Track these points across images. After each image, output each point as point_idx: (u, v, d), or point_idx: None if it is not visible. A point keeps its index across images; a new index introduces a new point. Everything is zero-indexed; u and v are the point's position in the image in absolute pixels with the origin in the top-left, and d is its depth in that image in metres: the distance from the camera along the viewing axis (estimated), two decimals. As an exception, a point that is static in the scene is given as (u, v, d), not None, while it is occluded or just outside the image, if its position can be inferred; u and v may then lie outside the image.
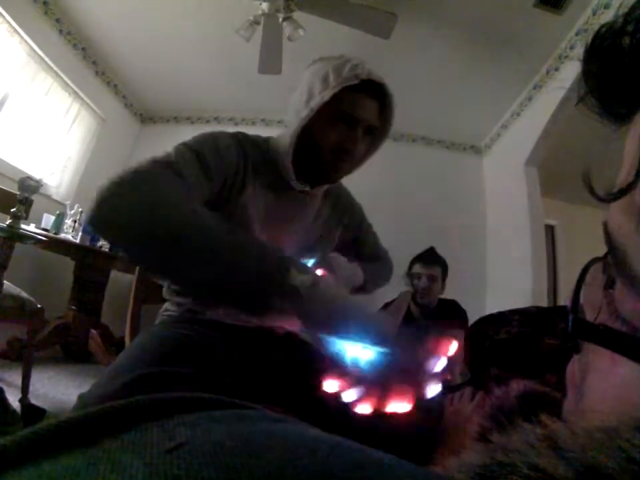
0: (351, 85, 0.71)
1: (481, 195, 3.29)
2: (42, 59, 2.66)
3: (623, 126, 0.18)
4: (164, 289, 0.87)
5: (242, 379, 0.74)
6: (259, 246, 0.56)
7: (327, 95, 0.71)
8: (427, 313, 1.79)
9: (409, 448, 0.68)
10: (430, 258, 1.83)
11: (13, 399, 1.34)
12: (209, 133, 0.75)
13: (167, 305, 0.88)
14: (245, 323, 0.83)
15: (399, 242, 2.51)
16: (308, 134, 0.76)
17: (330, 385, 0.50)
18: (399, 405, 0.47)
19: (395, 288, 1.78)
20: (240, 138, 0.80)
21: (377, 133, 0.81)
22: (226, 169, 0.73)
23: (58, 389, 1.73)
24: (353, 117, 0.75)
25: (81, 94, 3.04)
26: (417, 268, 1.80)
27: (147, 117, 3.87)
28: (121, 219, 0.56)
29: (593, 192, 0.18)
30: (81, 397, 0.62)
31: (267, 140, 0.85)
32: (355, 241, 1.01)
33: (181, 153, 0.66)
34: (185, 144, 0.69)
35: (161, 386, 0.61)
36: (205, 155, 0.69)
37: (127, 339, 0.99)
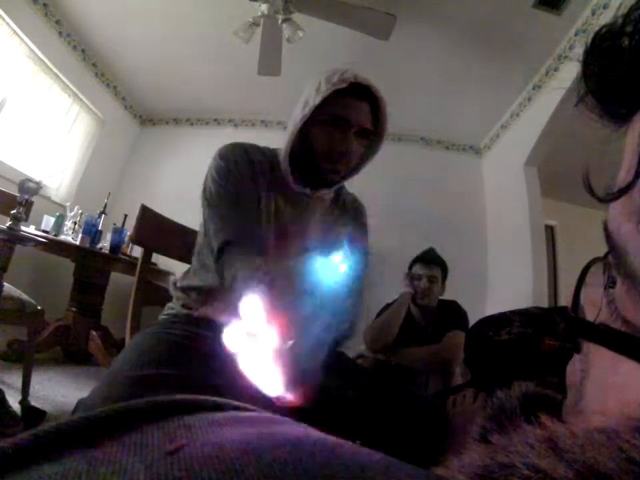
0: (342, 91, 0.76)
1: (480, 195, 3.29)
2: (41, 60, 2.66)
3: (623, 126, 0.18)
4: (171, 289, 0.91)
5: (237, 379, 0.75)
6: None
7: (318, 99, 0.76)
8: (426, 314, 1.79)
9: (412, 449, 0.68)
10: (430, 259, 1.83)
11: (13, 401, 1.34)
12: (221, 159, 0.83)
13: (168, 305, 0.90)
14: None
15: (398, 243, 2.51)
16: (305, 139, 0.81)
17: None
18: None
19: (394, 289, 1.78)
20: (246, 148, 0.87)
21: (371, 136, 0.84)
22: (249, 192, 0.82)
23: (58, 391, 1.73)
24: (344, 119, 0.78)
25: (80, 95, 3.05)
26: (417, 269, 1.80)
27: (146, 118, 3.88)
28: None
29: (593, 192, 0.18)
30: (80, 402, 0.62)
31: (273, 150, 0.91)
32: None
33: (217, 199, 0.78)
34: (218, 193, 0.79)
35: (158, 388, 0.61)
36: (229, 188, 0.79)
37: (127, 341, 0.99)
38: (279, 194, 0.86)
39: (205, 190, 0.82)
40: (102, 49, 2.98)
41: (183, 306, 0.86)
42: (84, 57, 3.00)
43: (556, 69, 2.39)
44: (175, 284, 0.91)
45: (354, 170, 0.88)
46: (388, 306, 1.87)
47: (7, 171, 2.47)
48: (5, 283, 1.39)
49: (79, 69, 2.99)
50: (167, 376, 0.64)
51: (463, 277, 2.52)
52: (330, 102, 0.76)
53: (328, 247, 0.95)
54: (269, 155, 0.88)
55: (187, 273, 0.93)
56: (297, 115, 0.80)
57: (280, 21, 2.10)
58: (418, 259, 1.84)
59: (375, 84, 0.80)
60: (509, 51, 2.40)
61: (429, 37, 2.41)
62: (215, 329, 0.81)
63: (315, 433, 0.16)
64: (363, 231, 1.00)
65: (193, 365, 0.70)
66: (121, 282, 2.73)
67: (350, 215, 0.98)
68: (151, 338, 0.75)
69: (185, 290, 0.88)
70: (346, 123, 0.78)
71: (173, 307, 0.88)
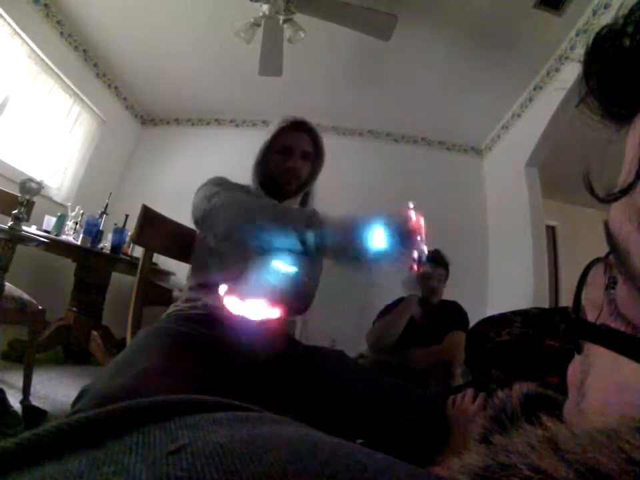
0: (286, 128, 1.03)
1: (481, 196, 3.29)
2: (43, 61, 2.67)
3: (624, 127, 0.18)
4: (185, 289, 1.01)
5: (239, 377, 0.77)
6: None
7: (269, 136, 1.04)
8: (428, 315, 1.79)
9: (413, 449, 0.68)
10: (438, 259, 1.86)
11: (14, 401, 1.34)
12: (209, 181, 1.04)
13: (174, 304, 0.97)
14: (244, 321, 0.85)
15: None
16: (266, 166, 1.06)
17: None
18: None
19: (394, 289, 1.77)
20: (227, 180, 1.09)
21: (312, 157, 1.08)
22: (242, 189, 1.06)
23: (59, 391, 1.73)
24: (287, 146, 1.04)
25: (81, 96, 3.05)
26: (427, 268, 1.81)
27: (147, 118, 3.88)
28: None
29: (594, 193, 0.18)
30: (84, 390, 0.63)
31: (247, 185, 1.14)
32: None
33: (214, 194, 0.94)
34: (210, 192, 0.96)
35: (163, 381, 0.63)
36: (227, 184, 1.04)
37: (128, 341, 0.99)
38: None
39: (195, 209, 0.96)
40: (103, 49, 2.98)
41: (187, 300, 0.93)
42: (85, 57, 3.00)
43: (557, 70, 2.39)
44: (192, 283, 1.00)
45: (306, 184, 1.10)
46: (388, 307, 1.87)
47: (9, 171, 2.47)
48: (6, 283, 1.39)
49: (80, 69, 3.00)
50: (160, 373, 0.65)
51: (464, 278, 2.52)
52: (279, 136, 1.04)
53: None
54: (245, 187, 1.09)
55: (191, 270, 1.04)
56: (257, 149, 1.06)
57: (281, 22, 2.11)
58: (427, 259, 1.84)
59: (309, 120, 1.06)
60: (509, 52, 2.40)
61: (430, 37, 2.41)
62: (216, 326, 0.83)
63: (315, 433, 0.16)
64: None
65: (188, 363, 0.72)
66: (121, 282, 2.74)
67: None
68: (152, 335, 0.78)
69: (191, 287, 0.97)
70: (291, 149, 1.04)
71: (177, 304, 0.95)
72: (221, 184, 1.01)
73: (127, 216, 2.71)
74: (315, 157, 1.11)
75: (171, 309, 0.95)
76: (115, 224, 2.62)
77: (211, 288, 0.89)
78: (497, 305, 2.75)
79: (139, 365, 0.65)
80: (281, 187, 1.06)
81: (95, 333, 2.26)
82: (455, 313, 1.84)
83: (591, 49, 0.19)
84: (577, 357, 0.22)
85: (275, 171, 1.06)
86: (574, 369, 0.22)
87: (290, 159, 1.04)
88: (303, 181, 1.09)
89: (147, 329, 0.82)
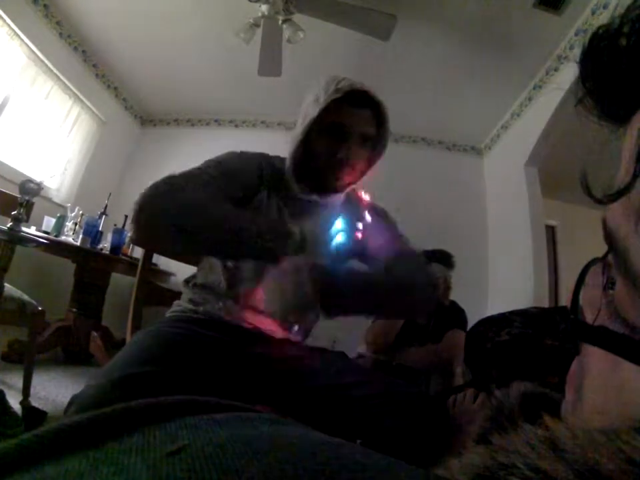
0: (341, 99, 0.77)
1: (481, 195, 3.29)
2: (42, 61, 2.66)
3: (621, 127, 0.18)
4: (183, 289, 0.94)
5: (234, 378, 0.76)
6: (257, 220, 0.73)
7: (316, 111, 0.78)
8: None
9: (412, 449, 0.68)
10: (450, 261, 1.88)
11: (14, 402, 1.34)
12: (236, 151, 0.90)
13: (176, 302, 0.93)
14: (241, 323, 0.84)
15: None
16: (308, 149, 0.84)
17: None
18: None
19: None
20: (264, 155, 0.92)
21: (373, 140, 0.85)
22: (245, 172, 0.85)
23: (59, 391, 1.73)
24: (343, 126, 0.80)
25: (81, 97, 3.05)
26: (440, 270, 1.80)
27: (147, 119, 3.88)
28: (159, 219, 0.69)
29: (591, 194, 0.18)
30: (74, 397, 0.63)
31: (280, 158, 0.93)
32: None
33: (207, 162, 0.82)
34: (215, 158, 0.85)
35: (150, 386, 0.61)
36: (227, 161, 0.85)
37: (127, 341, 0.99)
38: (287, 202, 0.88)
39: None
40: (103, 50, 2.98)
41: (190, 301, 0.88)
42: (84, 58, 3.00)
43: (556, 69, 2.39)
44: (185, 281, 0.94)
45: (360, 174, 0.88)
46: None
47: (8, 171, 2.47)
48: (6, 284, 1.39)
49: (80, 70, 2.99)
50: (155, 374, 0.64)
51: (464, 277, 2.52)
52: (329, 111, 0.78)
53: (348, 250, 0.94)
54: (279, 166, 0.90)
55: (197, 270, 0.96)
56: (298, 125, 0.83)
57: (280, 22, 2.11)
58: (437, 260, 1.84)
59: (371, 89, 0.80)
60: (509, 51, 2.40)
61: (429, 36, 2.41)
62: (215, 328, 0.82)
63: (315, 433, 0.16)
64: (380, 219, 0.97)
65: (185, 365, 0.70)
66: (121, 282, 2.73)
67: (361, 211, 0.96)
68: (150, 336, 0.76)
69: (193, 287, 0.90)
70: (345, 131, 0.80)
71: (180, 304, 0.90)
72: (220, 162, 0.83)
73: (126, 216, 2.70)
74: (377, 140, 0.86)
75: (174, 307, 0.92)
76: (115, 224, 2.62)
77: (216, 290, 0.86)
78: (496, 305, 2.75)
79: (126, 369, 0.63)
80: (327, 179, 0.86)
81: (94, 333, 2.26)
82: (453, 311, 1.84)
83: (587, 48, 0.19)
84: (576, 358, 0.22)
85: (321, 159, 0.84)
86: (573, 370, 0.22)
87: (343, 146, 0.81)
88: (359, 173, 0.88)
89: (144, 330, 0.80)
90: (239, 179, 0.83)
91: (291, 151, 0.84)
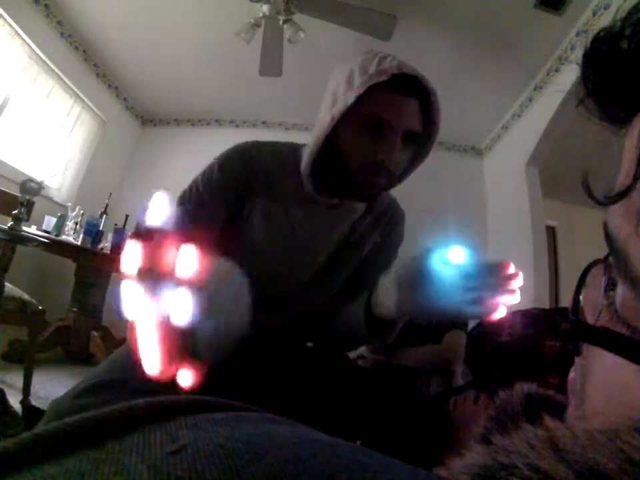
0: (381, 84, 0.59)
1: (481, 196, 3.29)
2: (43, 61, 2.67)
3: (622, 129, 0.18)
4: None
5: (234, 380, 0.75)
6: None
7: (350, 98, 0.60)
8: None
9: (413, 450, 0.68)
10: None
11: (14, 401, 1.34)
12: (214, 162, 0.76)
13: None
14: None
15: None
16: (334, 144, 0.65)
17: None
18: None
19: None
20: (252, 153, 0.75)
21: (419, 138, 0.69)
22: (223, 189, 0.72)
23: (59, 391, 1.71)
24: (385, 121, 0.62)
25: (82, 96, 3.05)
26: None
27: (147, 119, 3.88)
28: None
29: (592, 195, 0.18)
30: (53, 400, 0.63)
31: (298, 147, 0.77)
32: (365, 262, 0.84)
33: (186, 197, 0.72)
34: (191, 188, 0.74)
35: (114, 393, 0.60)
36: (200, 191, 0.71)
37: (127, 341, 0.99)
38: (297, 202, 0.74)
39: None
40: (103, 49, 2.98)
41: None
42: (85, 57, 3.00)
43: (557, 70, 2.39)
44: None
45: (397, 181, 0.73)
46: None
47: (9, 171, 2.47)
48: (6, 283, 1.39)
49: (81, 69, 3.00)
50: (121, 382, 0.62)
51: (464, 278, 2.51)
52: (367, 97, 0.60)
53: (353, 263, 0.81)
54: (290, 160, 0.73)
55: None
56: (324, 113, 0.64)
57: (281, 22, 2.11)
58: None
59: (421, 74, 0.64)
60: (510, 52, 2.40)
61: (429, 37, 2.41)
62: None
63: (315, 433, 0.16)
64: (390, 254, 0.85)
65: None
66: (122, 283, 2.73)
67: (382, 229, 0.83)
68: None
69: None
70: (388, 126, 0.62)
71: None
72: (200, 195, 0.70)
73: (127, 216, 2.71)
74: (423, 138, 0.69)
75: None
76: (115, 224, 2.62)
77: None
78: (497, 305, 2.74)
79: (102, 376, 0.62)
80: (358, 184, 0.66)
81: (94, 333, 2.26)
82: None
83: (589, 51, 0.19)
84: (577, 360, 0.22)
85: (353, 159, 0.64)
86: (574, 372, 0.22)
87: (385, 146, 0.62)
88: (396, 179, 0.70)
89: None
90: (219, 200, 0.72)
91: (312, 146, 0.65)
